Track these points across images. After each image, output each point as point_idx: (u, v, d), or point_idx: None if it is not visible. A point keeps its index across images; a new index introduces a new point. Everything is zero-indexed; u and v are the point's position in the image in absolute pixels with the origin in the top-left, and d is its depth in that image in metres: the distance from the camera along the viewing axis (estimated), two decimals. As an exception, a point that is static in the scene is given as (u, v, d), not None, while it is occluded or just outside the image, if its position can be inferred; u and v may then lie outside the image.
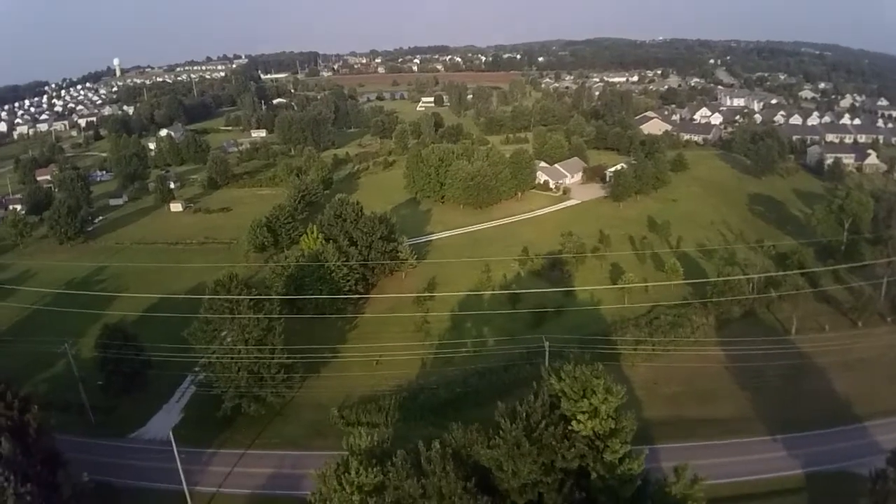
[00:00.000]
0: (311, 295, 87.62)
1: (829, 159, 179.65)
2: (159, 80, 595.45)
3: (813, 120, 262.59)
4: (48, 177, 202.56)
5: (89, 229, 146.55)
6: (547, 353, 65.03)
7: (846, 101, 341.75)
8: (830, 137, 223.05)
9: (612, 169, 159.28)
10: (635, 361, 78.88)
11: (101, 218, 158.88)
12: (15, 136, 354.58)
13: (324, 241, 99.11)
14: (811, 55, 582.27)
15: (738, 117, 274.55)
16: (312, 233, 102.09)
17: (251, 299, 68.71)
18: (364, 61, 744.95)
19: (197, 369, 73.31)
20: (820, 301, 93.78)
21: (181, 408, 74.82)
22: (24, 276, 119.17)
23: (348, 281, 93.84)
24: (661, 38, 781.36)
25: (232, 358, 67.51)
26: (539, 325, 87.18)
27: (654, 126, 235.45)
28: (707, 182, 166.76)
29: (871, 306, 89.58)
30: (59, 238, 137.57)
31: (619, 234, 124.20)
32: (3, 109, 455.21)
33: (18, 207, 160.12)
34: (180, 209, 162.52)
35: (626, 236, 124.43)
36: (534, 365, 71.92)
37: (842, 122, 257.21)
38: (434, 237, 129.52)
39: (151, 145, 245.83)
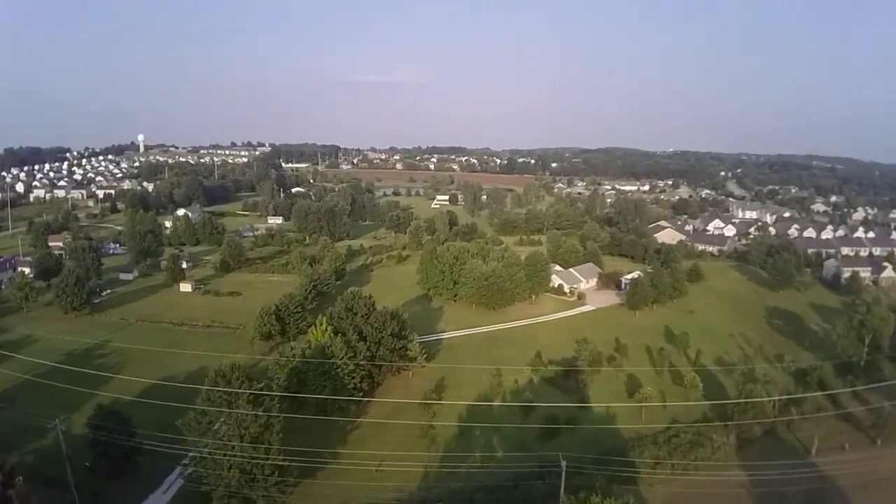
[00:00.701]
0: (315, 393, 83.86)
1: (846, 273, 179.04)
2: (182, 159, 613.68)
3: (827, 233, 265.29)
4: (60, 244, 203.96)
5: (96, 301, 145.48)
6: (564, 475, 60.19)
7: (859, 215, 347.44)
8: (845, 251, 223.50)
9: (629, 276, 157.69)
10: (653, 483, 73.69)
11: (108, 291, 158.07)
12: (31, 199, 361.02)
13: (332, 335, 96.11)
14: (822, 168, 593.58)
15: (752, 230, 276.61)
16: (321, 324, 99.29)
17: (251, 393, 65.21)
18: (383, 157, 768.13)
19: (186, 462, 68.88)
20: (840, 419, 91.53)
21: (168, 500, 70.23)
22: (24, 342, 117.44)
23: (353, 378, 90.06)
24: (671, 149, 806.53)
25: (224, 454, 63.31)
26: (552, 438, 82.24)
27: (668, 235, 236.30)
28: (724, 294, 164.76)
29: (891, 424, 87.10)
30: (64, 307, 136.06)
31: (635, 344, 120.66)
32: (23, 171, 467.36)
33: (27, 270, 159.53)
34: (189, 290, 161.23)
35: (642, 346, 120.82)
36: (546, 483, 67.30)
37: (856, 235, 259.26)
38: (445, 336, 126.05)
39: (167, 223, 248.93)
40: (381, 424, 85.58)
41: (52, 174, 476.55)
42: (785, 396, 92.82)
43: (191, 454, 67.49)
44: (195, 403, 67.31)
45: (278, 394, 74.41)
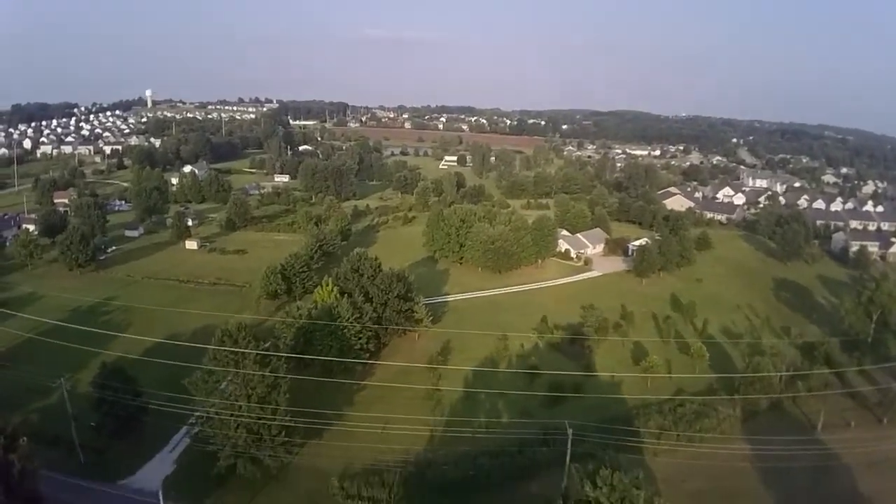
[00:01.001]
0: (321, 353, 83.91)
1: (854, 247, 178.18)
2: (189, 115, 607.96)
3: (836, 205, 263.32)
4: (66, 200, 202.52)
5: (101, 258, 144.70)
6: (570, 442, 60.24)
7: (869, 188, 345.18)
8: (854, 224, 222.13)
9: (636, 243, 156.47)
10: (657, 452, 73.88)
11: (114, 248, 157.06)
12: (38, 155, 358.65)
13: (338, 295, 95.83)
14: (834, 139, 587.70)
15: (762, 199, 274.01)
16: (327, 285, 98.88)
17: (258, 353, 65.13)
18: (391, 115, 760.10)
19: (192, 421, 69.23)
20: (846, 396, 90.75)
21: (174, 459, 70.51)
22: (28, 299, 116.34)
23: (360, 338, 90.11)
24: (683, 114, 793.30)
25: (232, 414, 63.55)
26: (557, 404, 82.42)
27: (677, 202, 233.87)
28: (732, 263, 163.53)
29: None
30: (69, 264, 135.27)
31: (641, 311, 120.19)
32: (30, 127, 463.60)
33: (31, 227, 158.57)
34: (195, 247, 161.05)
35: (648, 314, 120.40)
36: (552, 450, 67.55)
37: (865, 208, 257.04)
38: (451, 298, 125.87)
39: (174, 180, 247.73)
40: (387, 386, 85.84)
41: (59, 130, 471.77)
42: (792, 372, 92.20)
43: (197, 414, 67.69)
44: (201, 363, 67.36)
45: (285, 354, 74.21)
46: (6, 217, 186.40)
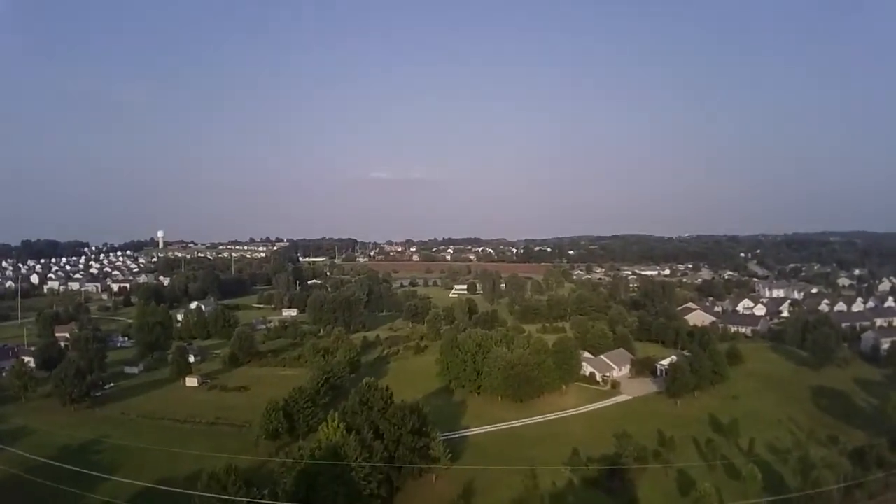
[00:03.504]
0: (326, 501, 72.44)
1: (885, 344, 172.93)
2: (200, 255, 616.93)
3: (857, 306, 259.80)
4: (67, 334, 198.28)
5: (97, 394, 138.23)
6: None
7: (885, 285, 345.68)
8: (878, 322, 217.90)
9: (664, 362, 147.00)
10: None
11: (111, 385, 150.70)
12: (45, 290, 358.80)
13: (345, 432, 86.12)
14: (841, 243, 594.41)
15: (783, 307, 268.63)
16: (333, 421, 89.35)
17: (249, 502, 55.49)
18: (399, 249, 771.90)
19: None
20: None
21: None
22: (18, 434, 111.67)
23: (370, 482, 79.30)
24: (686, 234, 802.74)
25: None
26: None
27: (698, 317, 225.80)
28: (764, 376, 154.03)
29: None
30: (63, 398, 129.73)
31: (680, 436, 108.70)
32: (39, 263, 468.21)
33: (29, 360, 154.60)
34: (196, 384, 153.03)
35: (689, 437, 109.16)
36: None
37: (886, 304, 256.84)
38: (470, 433, 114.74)
39: (179, 316, 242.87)
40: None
41: (68, 267, 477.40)
42: (848, 483, 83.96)
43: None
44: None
45: (280, 503, 63.92)
46: (4, 348, 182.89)
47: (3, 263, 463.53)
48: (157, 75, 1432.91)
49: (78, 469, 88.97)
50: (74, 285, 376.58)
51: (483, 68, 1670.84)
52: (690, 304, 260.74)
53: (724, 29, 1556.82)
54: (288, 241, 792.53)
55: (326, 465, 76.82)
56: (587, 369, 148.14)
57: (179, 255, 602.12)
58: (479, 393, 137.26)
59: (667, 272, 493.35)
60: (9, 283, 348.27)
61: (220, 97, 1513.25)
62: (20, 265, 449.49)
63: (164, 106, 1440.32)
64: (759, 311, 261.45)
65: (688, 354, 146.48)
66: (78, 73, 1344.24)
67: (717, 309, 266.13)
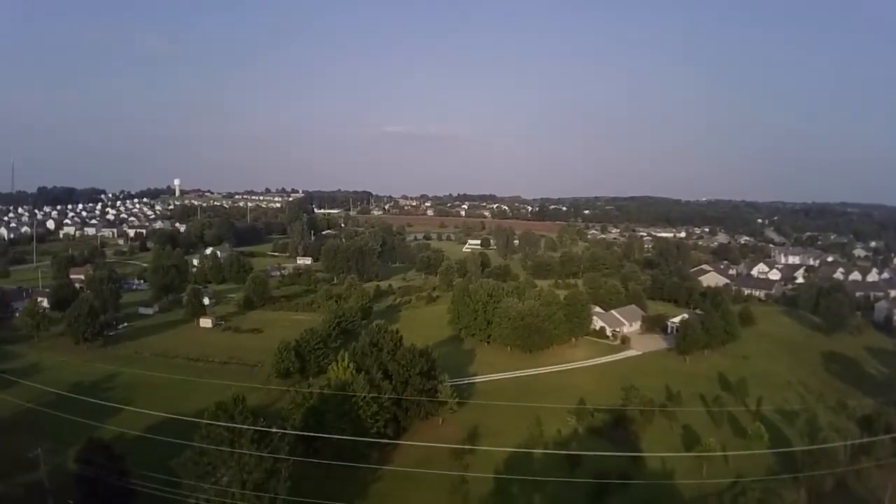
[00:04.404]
0: (333, 434, 73.68)
1: None
2: (216, 203, 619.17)
3: (872, 276, 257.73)
4: (81, 276, 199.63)
5: (110, 333, 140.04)
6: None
7: None
8: (893, 293, 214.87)
9: (675, 320, 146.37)
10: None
11: (125, 324, 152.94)
12: (60, 236, 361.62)
13: (354, 371, 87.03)
14: (859, 214, 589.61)
15: (798, 273, 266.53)
16: (343, 360, 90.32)
17: (256, 430, 56.36)
18: (414, 203, 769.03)
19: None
20: None
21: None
22: (30, 370, 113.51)
23: (377, 421, 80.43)
24: (704, 198, 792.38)
25: (223, 502, 54.21)
26: (603, 496, 71.19)
27: (712, 279, 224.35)
28: (776, 339, 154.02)
29: None
30: (75, 337, 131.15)
31: (688, 392, 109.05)
32: (55, 209, 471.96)
33: (43, 300, 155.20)
34: (209, 325, 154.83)
35: (696, 395, 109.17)
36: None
37: None
38: (478, 380, 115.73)
39: (195, 261, 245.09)
40: (407, 475, 75.32)
41: (84, 213, 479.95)
42: (856, 440, 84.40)
43: (189, 501, 58.54)
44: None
45: (286, 432, 64.89)
46: (19, 289, 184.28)
47: (20, 209, 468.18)
48: (176, 26, 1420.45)
49: (91, 401, 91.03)
50: (90, 231, 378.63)
51: (502, 27, 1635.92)
52: (705, 266, 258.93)
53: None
54: (303, 192, 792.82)
55: (335, 401, 77.86)
56: (597, 324, 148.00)
57: (196, 203, 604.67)
58: (488, 342, 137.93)
59: (682, 234, 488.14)
60: (24, 229, 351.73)
61: (240, 49, 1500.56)
62: (36, 210, 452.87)
63: (183, 56, 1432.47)
64: (774, 275, 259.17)
65: (700, 313, 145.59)
66: (97, 23, 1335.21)
67: (732, 272, 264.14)
